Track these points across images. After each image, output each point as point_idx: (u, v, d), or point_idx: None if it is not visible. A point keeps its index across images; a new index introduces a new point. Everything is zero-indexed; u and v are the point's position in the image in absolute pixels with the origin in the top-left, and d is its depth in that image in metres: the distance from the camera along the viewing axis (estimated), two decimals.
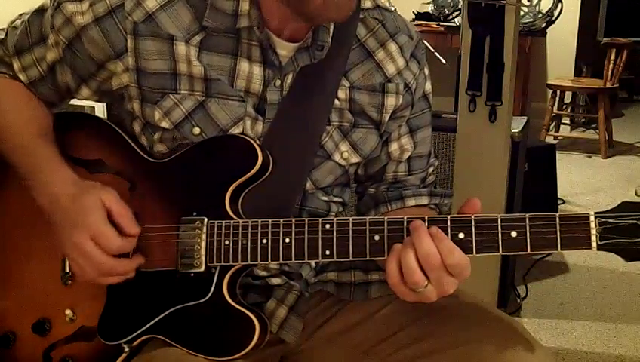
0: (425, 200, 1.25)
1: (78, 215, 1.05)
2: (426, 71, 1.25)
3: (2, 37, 1.20)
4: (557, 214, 0.95)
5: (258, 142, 1.10)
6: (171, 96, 1.10)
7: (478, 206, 0.99)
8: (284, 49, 1.12)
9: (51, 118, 1.19)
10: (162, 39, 1.09)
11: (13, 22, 1.21)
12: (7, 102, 1.18)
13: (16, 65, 1.18)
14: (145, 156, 1.14)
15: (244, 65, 1.11)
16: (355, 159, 1.19)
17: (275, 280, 1.18)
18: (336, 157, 1.17)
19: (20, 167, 1.13)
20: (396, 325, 1.16)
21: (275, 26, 1.10)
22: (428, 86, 1.25)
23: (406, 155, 1.25)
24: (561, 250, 0.95)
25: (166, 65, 1.09)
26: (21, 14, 1.21)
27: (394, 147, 1.23)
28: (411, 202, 1.25)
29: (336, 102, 1.15)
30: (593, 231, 0.94)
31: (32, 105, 1.19)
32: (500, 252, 0.96)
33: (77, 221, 1.04)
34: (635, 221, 0.93)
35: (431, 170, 1.31)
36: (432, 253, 0.95)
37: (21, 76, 1.18)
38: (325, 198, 1.20)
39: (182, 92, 1.10)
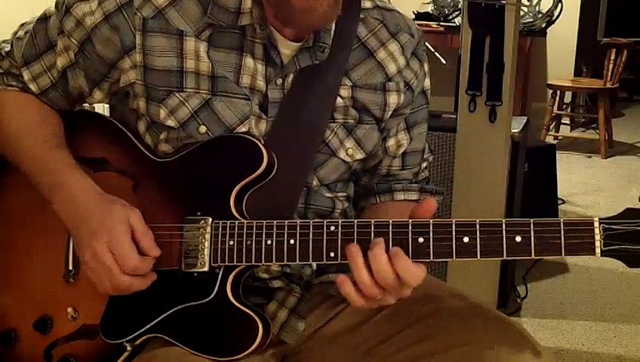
0: (414, 196, 1.26)
1: (101, 224, 1.04)
2: (426, 67, 1.26)
3: (8, 49, 1.20)
4: (561, 219, 0.95)
5: (263, 142, 1.10)
6: (177, 94, 1.10)
7: (433, 206, 1.00)
8: (288, 48, 1.12)
9: (63, 127, 1.19)
10: (171, 35, 1.09)
11: (16, 33, 1.21)
12: (21, 116, 1.18)
13: (26, 76, 1.18)
14: (149, 155, 1.14)
15: (248, 62, 1.11)
16: (359, 155, 1.19)
17: (276, 283, 1.18)
18: (341, 154, 1.17)
19: (35, 177, 1.13)
20: (397, 326, 1.16)
21: (278, 25, 1.11)
22: (427, 82, 1.26)
23: (401, 150, 1.26)
24: (565, 255, 0.95)
25: (173, 62, 1.10)
26: (22, 24, 1.21)
27: (391, 142, 1.24)
28: (400, 196, 1.26)
29: (340, 100, 1.16)
30: (597, 237, 0.94)
31: (44, 115, 1.19)
32: (505, 256, 0.96)
33: (99, 229, 1.04)
34: (638, 227, 0.93)
35: (424, 165, 1.32)
36: (386, 270, 0.96)
37: (32, 86, 1.18)
38: (330, 195, 1.21)
39: (188, 90, 1.10)
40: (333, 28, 1.14)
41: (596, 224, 0.94)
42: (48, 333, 1.14)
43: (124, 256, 1.03)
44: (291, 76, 1.13)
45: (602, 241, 0.94)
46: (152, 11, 1.09)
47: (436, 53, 3.70)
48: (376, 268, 0.97)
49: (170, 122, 1.11)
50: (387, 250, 0.98)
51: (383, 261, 0.97)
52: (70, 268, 1.14)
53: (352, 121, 1.17)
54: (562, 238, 0.95)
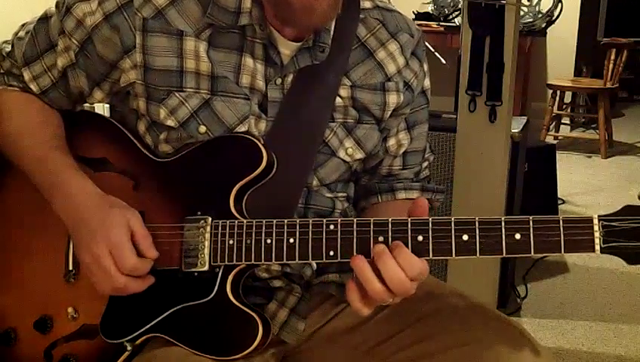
0: (416, 195, 1.26)
1: (101, 226, 1.04)
2: (426, 67, 1.26)
3: (9, 49, 1.20)
4: (560, 217, 0.95)
5: (262, 141, 1.10)
6: (177, 94, 1.10)
7: (425, 205, 1.00)
8: (287, 48, 1.12)
9: (63, 128, 1.19)
10: (172, 35, 1.09)
11: (16, 33, 1.21)
12: (22, 116, 1.18)
13: (26, 76, 1.18)
14: (149, 155, 1.14)
15: (248, 61, 1.11)
16: (359, 155, 1.19)
17: (277, 283, 1.17)
18: (341, 153, 1.17)
19: (35, 178, 1.13)
20: (397, 326, 1.16)
21: (278, 25, 1.11)
22: (427, 82, 1.26)
23: (402, 150, 1.26)
24: (565, 252, 0.95)
25: (173, 62, 1.10)
26: (23, 24, 1.21)
27: (391, 142, 1.25)
28: (402, 195, 1.26)
29: (339, 100, 1.16)
30: (596, 235, 0.94)
31: (45, 116, 1.19)
32: (504, 254, 0.96)
33: (99, 231, 1.04)
34: (638, 224, 0.93)
35: (425, 164, 1.32)
36: (401, 276, 0.96)
37: (32, 86, 1.18)
38: (330, 195, 1.21)
39: (187, 90, 1.10)
40: (333, 28, 1.14)
41: (595, 221, 0.94)
42: (48, 333, 1.14)
43: (122, 256, 1.03)
44: (291, 76, 1.13)
45: (602, 238, 0.94)
46: (152, 11, 1.09)
47: (436, 53, 3.70)
48: (391, 278, 0.96)
49: (170, 122, 1.11)
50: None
51: (397, 269, 0.96)
52: (70, 268, 1.14)
53: (352, 120, 1.17)
54: (562, 236, 0.95)
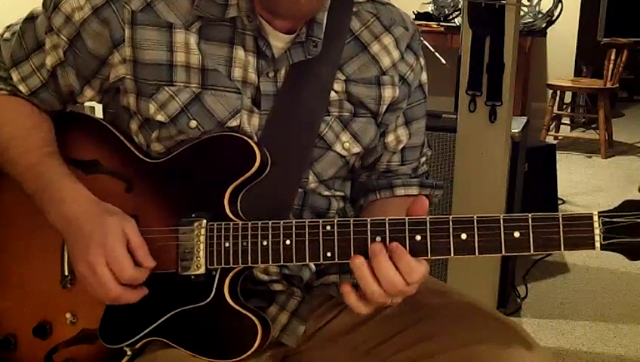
0: (414, 191, 1.26)
1: (96, 233, 1.03)
2: (422, 61, 1.25)
3: None
4: (560, 214, 0.94)
5: (255, 139, 1.09)
6: (166, 88, 1.09)
7: (425, 204, 1.00)
8: (279, 40, 1.11)
9: (54, 131, 1.17)
10: (161, 28, 1.08)
11: (2, 35, 1.19)
12: (11, 123, 1.16)
13: (15, 77, 1.16)
14: (141, 156, 1.13)
15: (240, 54, 1.10)
16: (356, 149, 1.18)
17: (277, 286, 1.16)
18: (337, 147, 1.17)
19: (28, 187, 1.11)
20: (397, 326, 1.16)
21: (268, 16, 1.10)
22: (424, 76, 1.25)
23: (401, 146, 1.25)
24: (565, 250, 0.94)
25: (163, 56, 1.08)
26: (8, 26, 1.20)
27: (390, 138, 1.24)
28: (400, 192, 1.25)
29: (334, 94, 1.15)
30: (596, 231, 0.93)
31: (35, 121, 1.17)
32: (503, 252, 0.96)
33: (94, 239, 1.03)
34: (638, 219, 0.92)
35: (423, 159, 1.31)
36: (395, 280, 0.96)
37: (21, 87, 1.17)
38: (327, 193, 1.20)
39: (177, 84, 1.09)
40: (325, 21, 1.13)
41: (595, 218, 0.93)
42: (48, 339, 1.13)
43: (120, 267, 1.02)
44: (284, 70, 1.12)
45: (602, 235, 0.93)
46: (141, 4, 1.08)
47: (436, 53, 3.69)
48: (385, 280, 0.96)
49: (160, 117, 1.09)
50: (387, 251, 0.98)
51: (391, 272, 0.96)
52: (66, 273, 1.13)
53: (348, 114, 1.16)
54: (561, 233, 0.94)
